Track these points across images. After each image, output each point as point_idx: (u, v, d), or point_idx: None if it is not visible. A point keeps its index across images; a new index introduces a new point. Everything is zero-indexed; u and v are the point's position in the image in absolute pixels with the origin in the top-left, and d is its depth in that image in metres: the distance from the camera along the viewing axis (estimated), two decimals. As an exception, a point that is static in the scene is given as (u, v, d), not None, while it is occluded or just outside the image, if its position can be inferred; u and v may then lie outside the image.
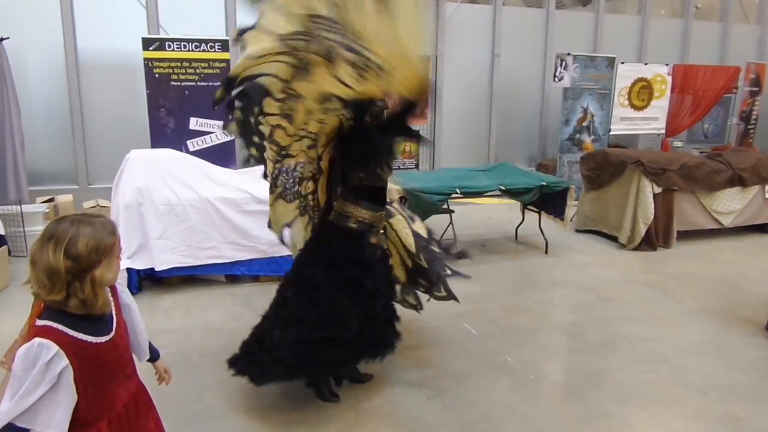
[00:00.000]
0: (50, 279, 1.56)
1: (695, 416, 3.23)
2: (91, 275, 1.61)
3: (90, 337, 1.66)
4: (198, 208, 4.92)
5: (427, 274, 3.63)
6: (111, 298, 1.79)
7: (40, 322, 1.60)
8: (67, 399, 1.60)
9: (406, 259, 3.61)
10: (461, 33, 9.33)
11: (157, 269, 4.87)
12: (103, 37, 7.49)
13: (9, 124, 6.00)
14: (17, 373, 1.53)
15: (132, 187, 4.85)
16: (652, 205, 6.39)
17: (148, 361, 2.10)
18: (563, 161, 8.98)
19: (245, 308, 4.70)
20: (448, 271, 3.76)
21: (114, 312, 1.79)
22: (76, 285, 1.59)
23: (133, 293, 4.77)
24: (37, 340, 1.55)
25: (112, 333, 1.74)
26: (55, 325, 1.60)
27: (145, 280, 5.02)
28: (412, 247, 3.53)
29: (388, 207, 3.44)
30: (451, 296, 3.76)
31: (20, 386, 1.52)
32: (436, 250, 3.73)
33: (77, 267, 1.58)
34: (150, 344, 2.09)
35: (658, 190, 6.41)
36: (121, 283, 1.91)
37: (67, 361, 1.58)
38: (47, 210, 6.40)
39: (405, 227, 3.57)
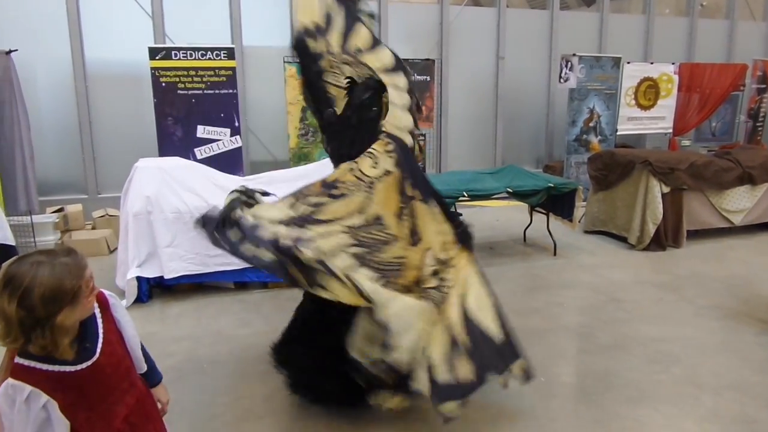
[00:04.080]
0: (7, 326, 1.50)
1: (709, 417, 3.20)
2: (51, 323, 1.53)
3: (68, 366, 1.62)
4: (206, 216, 4.94)
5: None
6: (100, 329, 1.74)
7: (17, 360, 1.58)
8: (61, 428, 1.61)
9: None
10: (465, 36, 9.34)
11: (166, 277, 4.89)
12: (110, 48, 7.54)
13: (18, 136, 6.05)
14: (4, 411, 1.57)
15: (141, 195, 4.88)
16: (661, 205, 6.35)
17: (150, 386, 2.02)
18: (570, 162, 8.95)
19: (255, 315, 4.71)
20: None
21: (101, 331, 1.74)
22: (38, 331, 1.52)
23: (142, 301, 4.84)
24: (9, 381, 1.56)
25: (96, 356, 1.69)
26: (28, 363, 1.57)
27: (154, 288, 5.04)
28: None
29: None
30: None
31: (11, 424, 1.56)
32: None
33: (32, 317, 1.50)
34: (153, 366, 2.04)
35: (666, 189, 6.37)
36: (113, 296, 1.86)
37: (47, 397, 1.57)
38: (57, 220, 6.44)
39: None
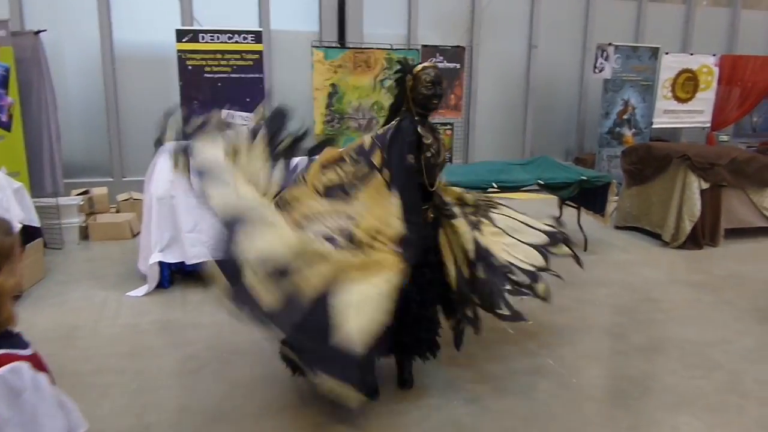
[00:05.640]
0: None
1: (754, 427, 3.02)
2: None
3: (21, 351, 1.44)
4: (230, 202, 4.85)
5: (480, 286, 3.27)
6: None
7: None
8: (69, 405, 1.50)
9: (462, 265, 3.26)
10: (497, 23, 9.09)
11: (187, 263, 4.81)
12: (137, 30, 7.50)
13: (46, 117, 6.04)
14: (3, 416, 1.33)
15: (164, 179, 4.81)
16: (699, 202, 6.09)
17: None
18: (602, 155, 8.69)
19: (276, 303, 4.61)
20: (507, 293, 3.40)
21: None
22: None
23: (164, 287, 4.78)
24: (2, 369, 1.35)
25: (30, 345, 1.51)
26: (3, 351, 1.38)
27: (175, 274, 4.97)
28: (471, 253, 3.20)
29: (447, 207, 3.29)
30: (515, 317, 3.35)
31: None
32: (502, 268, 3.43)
33: None
34: None
35: (705, 185, 6.11)
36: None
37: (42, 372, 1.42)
38: (82, 202, 6.42)
39: (467, 231, 3.25)
